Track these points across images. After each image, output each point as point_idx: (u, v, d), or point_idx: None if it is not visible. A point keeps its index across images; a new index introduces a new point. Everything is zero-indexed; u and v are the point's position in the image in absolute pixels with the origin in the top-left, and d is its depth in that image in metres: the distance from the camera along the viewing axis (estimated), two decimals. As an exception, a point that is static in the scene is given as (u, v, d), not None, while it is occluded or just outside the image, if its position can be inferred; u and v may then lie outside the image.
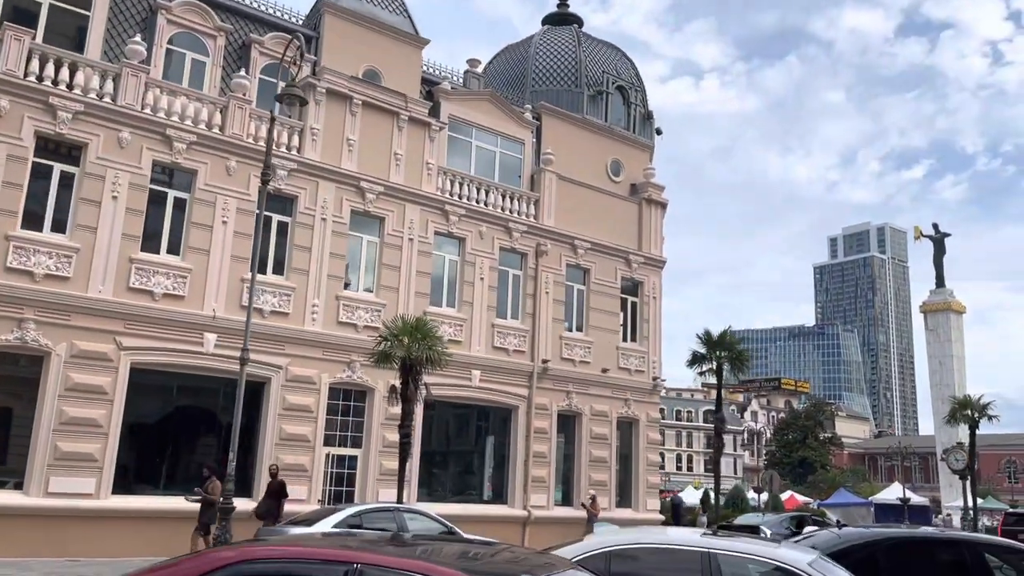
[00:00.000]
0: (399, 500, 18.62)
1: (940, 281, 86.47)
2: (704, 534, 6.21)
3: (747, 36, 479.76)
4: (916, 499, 48.85)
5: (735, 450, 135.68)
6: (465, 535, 15.65)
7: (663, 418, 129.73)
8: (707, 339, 27.82)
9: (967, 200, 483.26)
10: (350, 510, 14.59)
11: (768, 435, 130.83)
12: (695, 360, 27.85)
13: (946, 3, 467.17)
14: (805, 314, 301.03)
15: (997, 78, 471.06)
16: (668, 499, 33.04)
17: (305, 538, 4.30)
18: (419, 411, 22.42)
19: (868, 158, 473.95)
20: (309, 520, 14.28)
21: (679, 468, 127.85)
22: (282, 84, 21.81)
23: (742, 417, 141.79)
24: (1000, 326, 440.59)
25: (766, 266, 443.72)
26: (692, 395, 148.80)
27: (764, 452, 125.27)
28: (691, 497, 55.89)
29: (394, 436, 21.65)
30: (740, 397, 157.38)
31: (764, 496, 45.23)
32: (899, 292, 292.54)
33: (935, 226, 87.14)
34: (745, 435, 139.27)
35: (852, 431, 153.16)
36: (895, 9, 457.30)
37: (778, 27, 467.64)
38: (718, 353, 27.58)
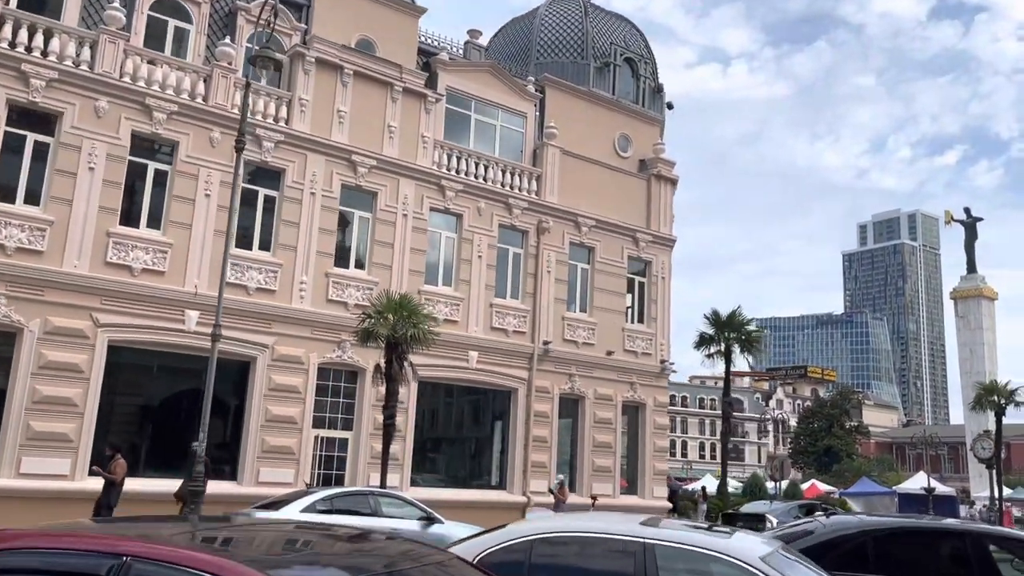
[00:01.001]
0: (382, 484, 17.87)
1: (971, 267, 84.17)
2: (645, 522, 5.30)
3: (775, 21, 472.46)
4: (942, 489, 47.39)
5: (759, 438, 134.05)
6: (446, 522, 14.88)
7: (684, 406, 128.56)
8: (715, 320, 26.69)
9: (1002, 186, 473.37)
10: (320, 494, 13.84)
11: (793, 423, 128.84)
12: (702, 342, 26.76)
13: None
14: (834, 302, 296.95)
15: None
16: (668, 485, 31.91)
17: (73, 525, 3.39)
18: (413, 393, 21.71)
19: (899, 144, 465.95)
20: (276, 504, 13.54)
21: (702, 456, 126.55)
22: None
23: (767, 405, 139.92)
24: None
25: (794, 254, 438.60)
26: (716, 383, 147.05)
27: (789, 440, 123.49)
28: (713, 485, 54.92)
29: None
30: (766, 385, 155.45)
31: (784, 484, 44.02)
32: (930, 280, 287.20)
33: (967, 210, 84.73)
34: (771, 423, 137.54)
35: (880, 420, 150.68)
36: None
37: (807, 12, 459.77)
38: (727, 334, 26.46)
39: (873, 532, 7.29)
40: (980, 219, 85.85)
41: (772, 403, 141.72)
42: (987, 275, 78.84)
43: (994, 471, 32.83)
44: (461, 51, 26.38)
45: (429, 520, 14.38)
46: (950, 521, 7.88)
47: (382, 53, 22.75)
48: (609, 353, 25.68)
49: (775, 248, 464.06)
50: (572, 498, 24.00)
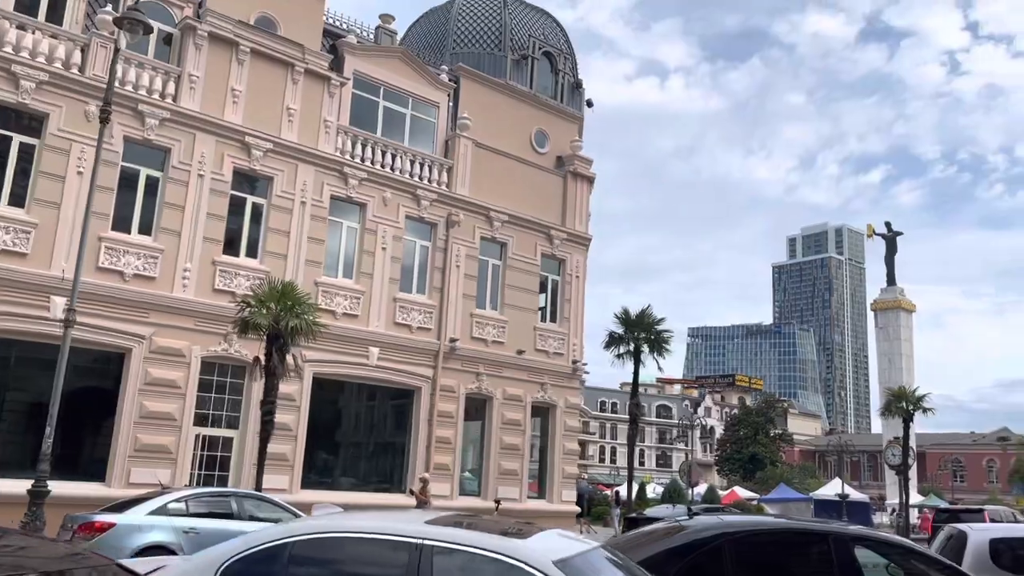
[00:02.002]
0: (258, 486, 16.70)
1: (891, 279, 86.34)
2: (429, 522, 4.45)
3: (712, 37, 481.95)
4: (856, 495, 48.00)
5: (688, 445, 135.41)
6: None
7: (615, 412, 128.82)
8: (625, 319, 26.15)
9: (923, 206, 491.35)
10: (175, 495, 12.62)
11: (721, 431, 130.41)
12: (612, 342, 26.16)
13: (906, 12, 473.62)
14: (763, 313, 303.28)
15: (954, 87, 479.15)
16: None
17: None
18: (306, 391, 20.57)
19: (827, 161, 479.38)
20: (126, 505, 12.29)
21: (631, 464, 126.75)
22: (154, 23, 19.80)
23: (695, 413, 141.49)
24: (953, 329, 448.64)
25: (726, 265, 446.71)
26: (645, 390, 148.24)
27: (716, 447, 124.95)
28: (649, 492, 54.80)
29: (277, 416, 19.73)
30: (695, 393, 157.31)
31: (700, 489, 43.98)
32: (855, 292, 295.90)
33: (888, 225, 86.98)
34: (699, 431, 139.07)
35: (804, 428, 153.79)
36: (857, 15, 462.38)
37: (742, 29, 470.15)
38: (636, 334, 25.94)
39: (732, 533, 6.59)
40: (900, 233, 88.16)
41: (700, 410, 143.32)
42: (908, 290, 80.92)
43: (902, 477, 33.14)
44: (372, 36, 25.33)
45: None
46: (813, 522, 7.26)
47: (285, 32, 21.59)
48: (519, 352, 24.90)
49: (708, 258, 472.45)
50: (474, 501, 23.16)
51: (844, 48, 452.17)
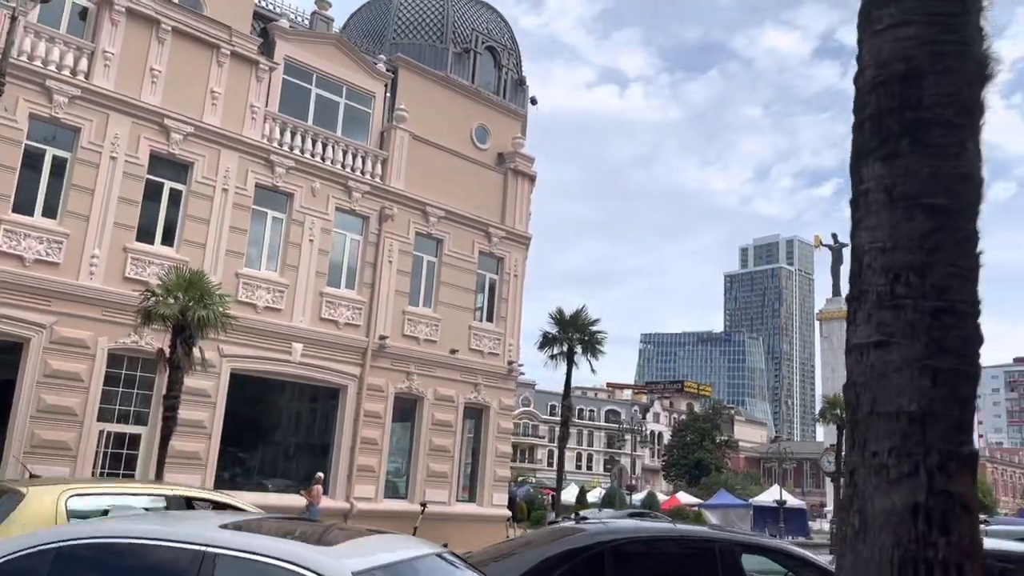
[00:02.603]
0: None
1: (836, 290, 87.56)
2: (223, 526, 3.81)
3: (672, 48, 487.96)
4: (794, 502, 48.30)
5: (635, 450, 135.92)
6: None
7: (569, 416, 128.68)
8: (559, 319, 25.68)
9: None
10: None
11: (668, 437, 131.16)
12: (546, 342, 25.66)
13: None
14: (715, 321, 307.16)
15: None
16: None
17: None
18: (223, 386, 19.68)
19: (781, 174, 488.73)
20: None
21: (579, 467, 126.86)
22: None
23: (644, 418, 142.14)
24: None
25: (681, 273, 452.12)
26: (596, 394, 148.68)
27: (663, 453, 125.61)
28: (593, 496, 54.61)
29: (190, 413, 18.84)
30: (644, 398, 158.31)
31: (641, 495, 43.77)
32: (804, 303, 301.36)
33: (834, 236, 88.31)
34: (647, 436, 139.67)
35: (751, 436, 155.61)
36: (812, 33, 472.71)
37: (702, 42, 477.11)
38: (570, 335, 25.48)
39: (613, 541, 6.07)
40: (845, 245, 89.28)
41: (649, 416, 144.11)
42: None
43: (835, 484, 33.26)
44: (308, 22, 24.50)
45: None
46: (700, 529, 6.79)
47: (212, 13, 20.69)
48: (453, 352, 24.25)
49: (663, 267, 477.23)
50: (400, 504, 22.44)
51: (799, 64, 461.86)
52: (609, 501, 43.09)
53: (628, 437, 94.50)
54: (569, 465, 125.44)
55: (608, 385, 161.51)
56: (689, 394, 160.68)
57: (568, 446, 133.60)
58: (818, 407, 57.03)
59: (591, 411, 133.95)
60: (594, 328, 26.18)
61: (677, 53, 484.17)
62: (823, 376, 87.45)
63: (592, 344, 26.01)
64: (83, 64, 18.41)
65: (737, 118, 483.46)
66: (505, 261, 26.28)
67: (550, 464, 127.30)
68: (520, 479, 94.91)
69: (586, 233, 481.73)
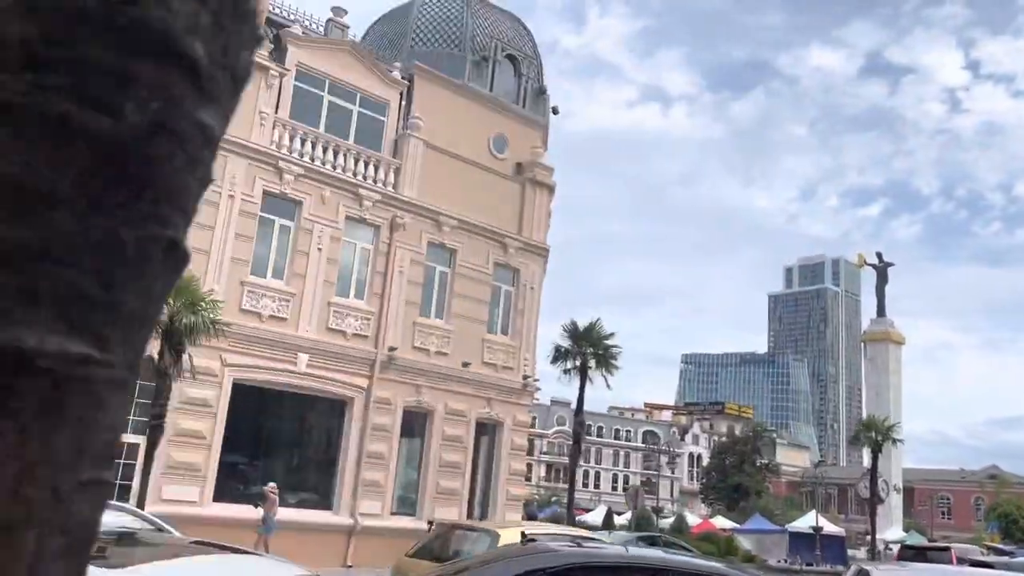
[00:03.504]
0: (140, 497, 15.37)
1: (881, 311, 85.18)
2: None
3: (716, 67, 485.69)
4: (832, 529, 46.46)
5: (672, 472, 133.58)
6: (180, 537, 12.51)
7: (600, 436, 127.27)
8: (572, 332, 24.88)
9: (920, 240, 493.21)
10: None
11: (707, 459, 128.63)
12: (558, 356, 24.86)
13: (908, 49, 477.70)
14: (758, 342, 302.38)
15: (953, 124, 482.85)
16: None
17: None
18: (224, 396, 19.29)
19: (827, 193, 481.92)
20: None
21: (615, 488, 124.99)
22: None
23: (683, 440, 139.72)
24: (947, 364, 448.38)
25: (723, 293, 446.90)
26: (633, 414, 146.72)
27: (702, 476, 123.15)
28: (613, 517, 53.31)
29: (189, 423, 18.53)
30: (683, 419, 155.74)
31: (668, 519, 42.49)
32: (850, 324, 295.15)
33: (879, 255, 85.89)
34: (686, 458, 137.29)
35: (794, 459, 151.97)
36: (859, 51, 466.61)
37: (747, 60, 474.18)
38: (584, 348, 24.66)
39: (547, 568, 5.34)
40: (891, 264, 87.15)
41: (688, 437, 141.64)
42: (903, 323, 79.98)
43: (871, 510, 31.75)
44: (323, 30, 24.29)
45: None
46: (647, 553, 5.99)
47: (222, 19, 20.51)
48: (465, 365, 23.61)
49: (705, 286, 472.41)
50: (408, 521, 21.75)
51: (846, 83, 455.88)
52: (637, 523, 41.93)
53: (664, 458, 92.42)
54: (605, 486, 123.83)
55: (646, 405, 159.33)
56: (730, 416, 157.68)
57: (604, 467, 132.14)
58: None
59: (628, 431, 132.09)
60: (608, 342, 25.35)
61: (721, 72, 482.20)
62: (867, 399, 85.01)
63: (606, 359, 25.15)
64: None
65: (782, 136, 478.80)
66: (522, 273, 25.63)
67: (585, 485, 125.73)
68: (554, 499, 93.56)
69: (626, 251, 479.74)
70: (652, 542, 20.52)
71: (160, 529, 12.32)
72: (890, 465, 56.30)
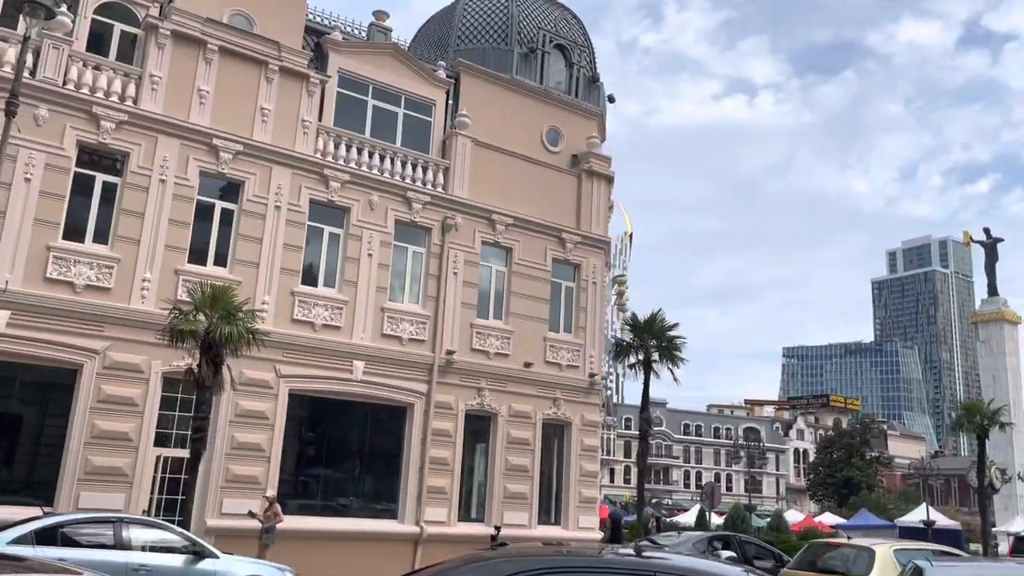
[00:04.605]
0: (185, 512, 15.24)
1: (992, 289, 79.94)
2: None
3: (801, 52, 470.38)
4: (945, 522, 43.47)
5: (777, 469, 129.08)
6: (222, 556, 12.27)
7: (699, 435, 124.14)
8: (634, 324, 23.76)
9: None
10: (43, 522, 11.26)
11: (814, 454, 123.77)
12: (620, 351, 23.77)
13: (1007, 14, 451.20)
14: (863, 331, 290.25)
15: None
16: (609, 514, 28.93)
17: None
18: (281, 408, 19.20)
19: (930, 172, 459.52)
20: (-6, 531, 10.98)
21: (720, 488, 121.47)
22: (121, 26, 19.07)
23: (787, 435, 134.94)
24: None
25: (823, 283, 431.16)
26: (732, 411, 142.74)
27: (808, 471, 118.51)
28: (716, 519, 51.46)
29: (246, 436, 18.52)
30: (786, 414, 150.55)
31: (765, 518, 40.46)
32: (963, 307, 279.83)
33: (986, 231, 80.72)
34: (791, 454, 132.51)
35: (907, 451, 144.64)
36: (955, 21, 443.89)
37: (833, 42, 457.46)
38: (647, 342, 23.50)
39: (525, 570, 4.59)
40: (1000, 240, 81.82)
41: (792, 433, 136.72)
42: (1006, 297, 74.86)
43: (985, 500, 29.31)
44: (365, 34, 24.10)
45: (197, 554, 11.78)
46: (626, 558, 5.07)
47: (262, 30, 20.56)
48: (527, 365, 22.92)
49: (804, 277, 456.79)
50: (474, 528, 21.19)
51: (943, 55, 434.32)
52: (731, 522, 40.19)
53: (741, 455, 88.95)
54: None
55: (746, 402, 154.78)
56: (836, 408, 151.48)
57: (705, 466, 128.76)
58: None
59: (727, 428, 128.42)
60: (672, 333, 24.13)
61: (807, 56, 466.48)
62: (983, 383, 79.86)
63: (671, 351, 23.94)
64: (131, 90, 18.55)
65: (877, 117, 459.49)
66: (582, 268, 24.77)
67: (687, 485, 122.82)
68: (654, 500, 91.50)
69: (720, 247, 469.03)
70: (725, 542, 19.32)
71: (194, 544, 12.11)
72: (1012, 452, 52.56)
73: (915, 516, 46.16)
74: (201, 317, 15.14)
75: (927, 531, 40.03)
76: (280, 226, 19.80)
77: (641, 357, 23.77)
